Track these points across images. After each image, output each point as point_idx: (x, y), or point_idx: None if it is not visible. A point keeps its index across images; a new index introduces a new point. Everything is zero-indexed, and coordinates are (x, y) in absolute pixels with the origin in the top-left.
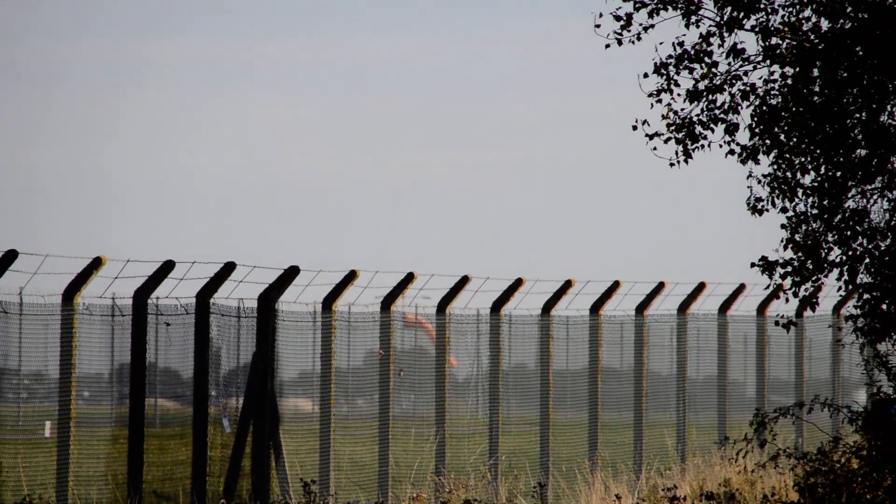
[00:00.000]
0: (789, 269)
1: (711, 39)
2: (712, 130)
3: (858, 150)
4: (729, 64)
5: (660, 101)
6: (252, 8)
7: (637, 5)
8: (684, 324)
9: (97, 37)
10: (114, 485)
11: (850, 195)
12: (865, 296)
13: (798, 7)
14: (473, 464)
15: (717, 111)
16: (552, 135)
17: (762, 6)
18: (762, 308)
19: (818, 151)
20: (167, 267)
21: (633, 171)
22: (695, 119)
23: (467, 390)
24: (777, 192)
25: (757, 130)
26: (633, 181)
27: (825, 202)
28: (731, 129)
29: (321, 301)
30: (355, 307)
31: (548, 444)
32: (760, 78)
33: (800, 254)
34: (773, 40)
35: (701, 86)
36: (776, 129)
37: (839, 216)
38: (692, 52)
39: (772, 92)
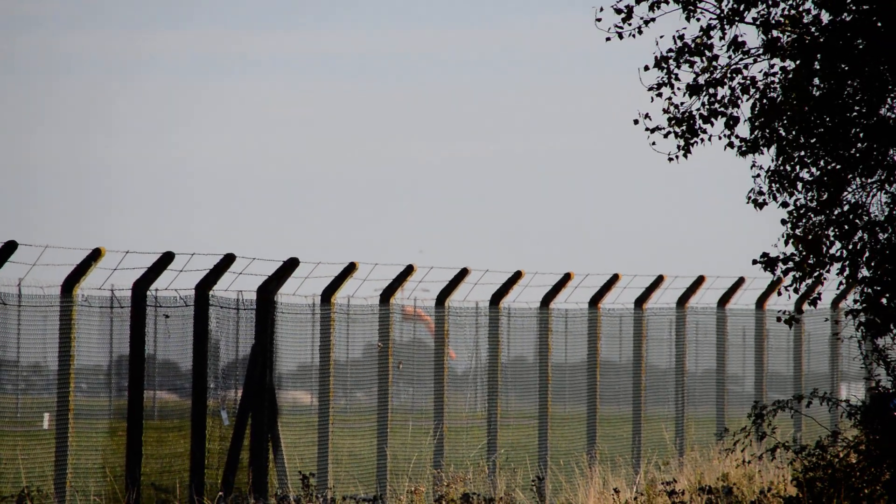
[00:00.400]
0: (790, 265)
1: (712, 33)
2: (712, 124)
3: (858, 144)
4: (729, 57)
5: (660, 94)
6: (251, 0)
7: None
8: (683, 317)
9: (95, 29)
10: (112, 477)
11: (849, 189)
12: (866, 290)
13: None
14: (472, 457)
15: (717, 105)
16: (552, 128)
17: None
18: (761, 302)
19: (818, 145)
20: (166, 259)
21: (633, 165)
22: (695, 113)
23: (466, 383)
24: (777, 185)
25: (757, 124)
26: (633, 175)
27: (825, 196)
28: (732, 123)
29: (320, 293)
30: (354, 300)
31: (546, 437)
32: (761, 71)
33: (801, 249)
34: (774, 33)
35: (701, 79)
36: (776, 123)
37: (839, 210)
38: (692, 46)
39: (772, 85)
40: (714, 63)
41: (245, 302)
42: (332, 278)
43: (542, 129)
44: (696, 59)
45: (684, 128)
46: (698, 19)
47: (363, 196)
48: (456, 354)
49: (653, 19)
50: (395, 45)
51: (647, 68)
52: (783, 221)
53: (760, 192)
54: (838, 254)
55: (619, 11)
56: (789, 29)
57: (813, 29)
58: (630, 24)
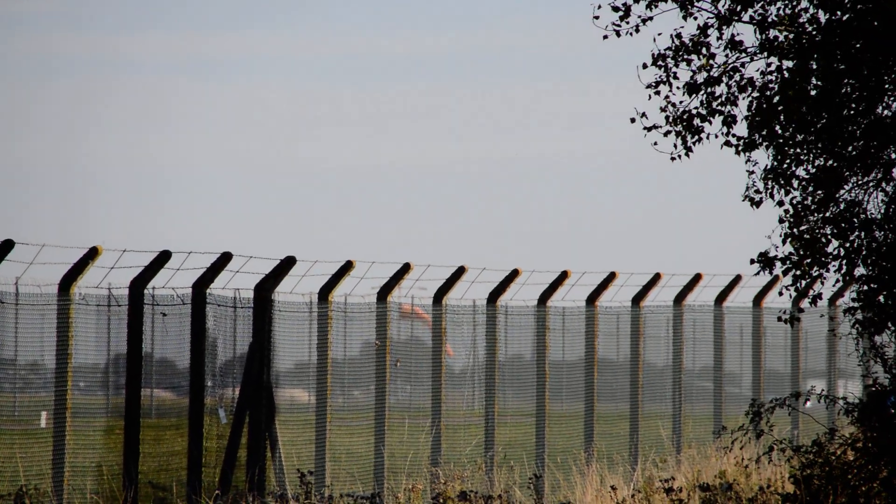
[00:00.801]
0: (788, 264)
1: (709, 31)
2: (710, 122)
3: (855, 142)
4: (727, 56)
5: (658, 92)
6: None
7: None
8: (680, 315)
9: (91, 29)
10: (109, 475)
11: (846, 187)
12: (863, 288)
13: None
14: (469, 455)
15: (715, 103)
16: (548, 127)
17: None
18: (758, 299)
19: (815, 143)
20: (164, 257)
21: (630, 163)
22: (693, 111)
23: (463, 381)
24: (774, 184)
25: (754, 122)
26: (630, 173)
27: (822, 194)
28: (729, 122)
29: (317, 291)
30: (352, 298)
31: (543, 435)
32: (758, 70)
33: (798, 248)
34: (772, 32)
35: (699, 78)
36: (773, 122)
37: (836, 208)
38: (690, 44)
39: (769, 84)
40: (711, 62)
41: (242, 300)
42: (329, 276)
43: (538, 127)
44: (694, 57)
45: (683, 126)
46: (695, 18)
47: (360, 194)
48: (454, 352)
49: (650, 17)
50: (393, 45)
51: (645, 66)
52: (780, 220)
53: (757, 191)
54: (835, 252)
55: (616, 9)
56: (786, 28)
57: (810, 28)
58: (628, 22)
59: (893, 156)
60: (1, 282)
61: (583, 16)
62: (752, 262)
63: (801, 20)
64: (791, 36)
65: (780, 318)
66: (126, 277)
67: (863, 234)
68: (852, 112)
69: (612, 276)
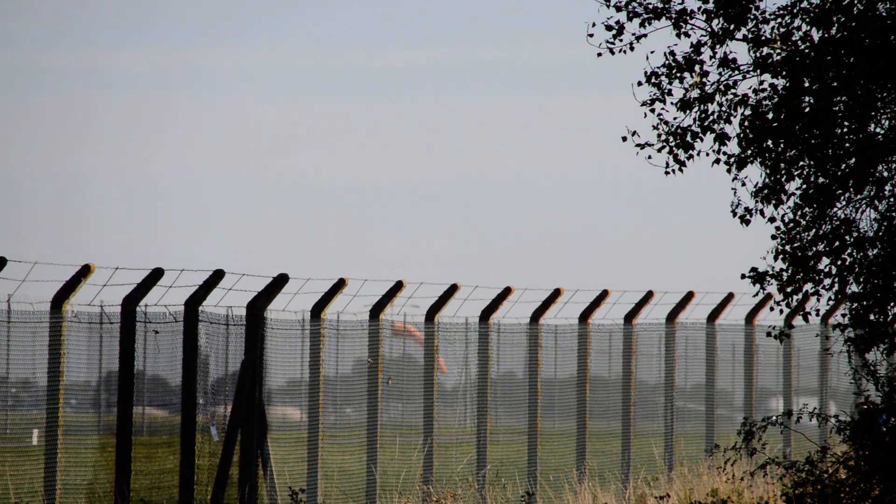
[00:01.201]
0: (780, 280)
1: (703, 49)
2: (701, 140)
3: (848, 159)
4: (720, 74)
5: (653, 110)
6: (241, 10)
7: (629, 15)
8: (673, 333)
9: (83, 44)
10: (101, 493)
11: (839, 204)
12: (855, 305)
13: (788, 16)
14: (461, 472)
15: (707, 121)
16: (541, 144)
17: (752, 16)
18: (751, 317)
19: (808, 160)
20: (156, 275)
21: (622, 181)
22: (686, 128)
23: (455, 399)
24: (765, 201)
25: (747, 140)
26: (622, 190)
27: (814, 211)
28: (722, 139)
29: (310, 309)
30: (344, 315)
31: (535, 453)
32: (751, 88)
33: (790, 264)
34: (765, 50)
35: (692, 95)
36: (766, 138)
37: (828, 225)
38: (683, 62)
39: (762, 101)
40: (705, 79)
41: (235, 318)
42: (321, 294)
43: (531, 144)
44: (687, 75)
45: (676, 143)
46: (689, 36)
47: (352, 211)
48: (447, 368)
49: (644, 35)
50: (385, 60)
51: (639, 83)
52: (773, 237)
53: (747, 209)
54: (827, 269)
55: (610, 28)
56: (779, 46)
57: (803, 46)
58: (621, 40)
59: (886, 173)
60: None
61: (576, 32)
62: (743, 276)
63: (793, 38)
64: (784, 54)
65: (769, 334)
66: (118, 295)
67: (855, 251)
68: (845, 129)
69: (604, 294)
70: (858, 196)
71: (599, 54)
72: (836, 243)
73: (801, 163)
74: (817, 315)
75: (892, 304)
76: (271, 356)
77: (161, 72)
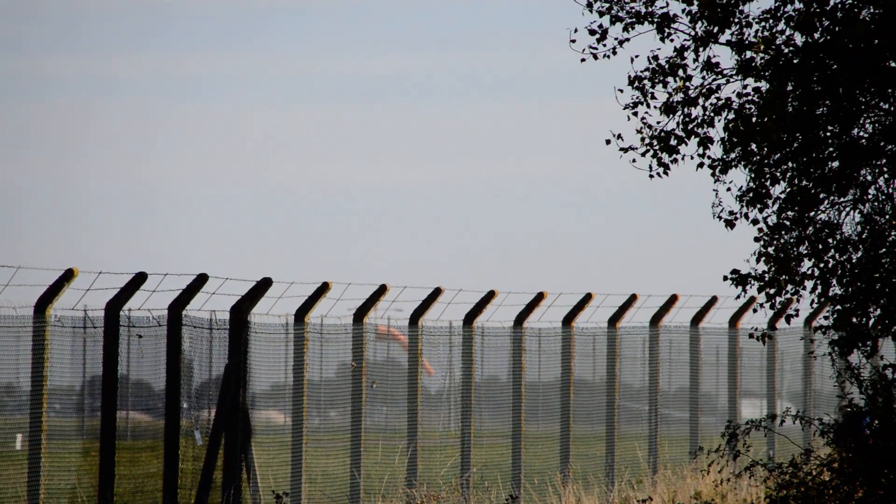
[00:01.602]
0: (762, 282)
1: (686, 53)
2: (686, 144)
3: (831, 163)
4: (703, 77)
5: (636, 113)
6: (224, 17)
7: (612, 19)
8: (656, 336)
9: (69, 52)
10: (84, 497)
11: (822, 208)
12: (838, 308)
13: (772, 21)
14: (445, 476)
15: (691, 125)
16: (524, 148)
17: (736, 20)
18: (734, 320)
19: (791, 164)
20: (139, 279)
21: (605, 184)
22: (670, 132)
23: (439, 402)
24: (749, 204)
25: (730, 144)
26: (605, 194)
27: (797, 214)
28: (705, 143)
29: (293, 313)
30: (328, 319)
31: (520, 456)
32: (734, 92)
33: (772, 266)
34: (748, 54)
35: (676, 99)
36: (749, 142)
37: (811, 228)
38: (667, 66)
39: (746, 105)
40: (688, 83)
41: (218, 322)
42: (305, 298)
43: (514, 149)
44: (671, 79)
45: (660, 146)
46: (672, 40)
47: (335, 216)
48: (433, 370)
49: (627, 40)
50: (368, 67)
51: (621, 91)
52: (756, 239)
53: (732, 212)
54: (810, 272)
55: (593, 32)
56: (763, 50)
57: (786, 50)
58: (605, 45)
59: (869, 177)
60: None
61: (561, 37)
62: (725, 278)
63: (777, 42)
64: (767, 58)
65: (751, 336)
66: (102, 299)
67: (838, 254)
68: (828, 133)
69: (587, 298)
70: (842, 199)
71: (583, 59)
72: (819, 246)
73: (785, 166)
74: (796, 316)
75: (873, 306)
76: (255, 360)
77: (146, 78)
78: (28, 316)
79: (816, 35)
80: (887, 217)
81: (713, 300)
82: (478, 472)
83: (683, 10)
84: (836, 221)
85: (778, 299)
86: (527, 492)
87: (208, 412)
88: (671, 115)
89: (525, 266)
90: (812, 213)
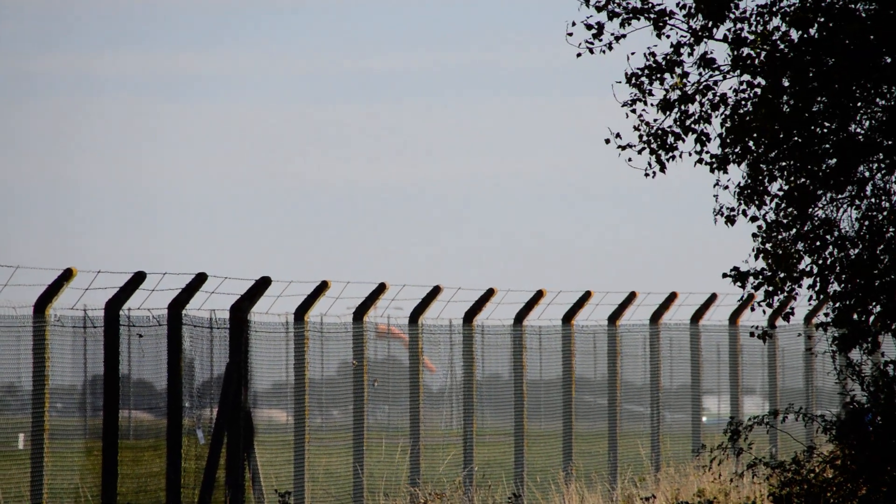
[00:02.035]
0: (761, 279)
1: (682, 49)
2: (683, 140)
3: (829, 160)
4: (700, 74)
5: (634, 110)
6: (223, 15)
7: (609, 15)
8: (657, 333)
9: (66, 49)
10: (88, 497)
11: (819, 204)
12: (837, 305)
13: (768, 16)
14: (448, 474)
15: (688, 121)
16: (523, 145)
17: (732, 16)
18: (734, 317)
19: (788, 161)
20: (138, 278)
21: (605, 182)
22: (667, 129)
23: (441, 400)
24: (747, 201)
25: (728, 140)
26: (605, 191)
27: (795, 211)
28: (703, 139)
29: (293, 312)
30: (327, 318)
31: (522, 454)
32: (731, 88)
33: (771, 263)
34: (744, 50)
35: (672, 96)
36: (746, 139)
37: (809, 225)
38: (663, 63)
39: (742, 101)
40: (685, 80)
41: (218, 321)
42: (304, 297)
43: (512, 146)
44: (667, 75)
45: (657, 144)
46: (668, 36)
47: (334, 214)
48: (435, 367)
49: (623, 35)
50: (366, 64)
51: (618, 82)
52: (754, 236)
53: (731, 209)
54: (809, 269)
55: (589, 27)
56: (759, 46)
57: (782, 46)
58: (601, 40)
59: (867, 173)
60: None
61: (558, 33)
62: (725, 276)
63: (773, 38)
64: (764, 54)
65: (752, 334)
66: (101, 299)
67: (836, 251)
68: (825, 129)
69: (587, 295)
70: (839, 196)
71: (579, 54)
72: (817, 243)
73: (783, 163)
74: (793, 313)
75: (873, 303)
76: (256, 359)
77: (143, 76)
78: (28, 316)
79: (812, 31)
80: (885, 213)
81: (713, 297)
82: (480, 471)
83: (679, 5)
84: (833, 218)
85: (776, 297)
86: (530, 490)
87: (210, 411)
88: (668, 112)
89: (524, 264)
90: (810, 210)
